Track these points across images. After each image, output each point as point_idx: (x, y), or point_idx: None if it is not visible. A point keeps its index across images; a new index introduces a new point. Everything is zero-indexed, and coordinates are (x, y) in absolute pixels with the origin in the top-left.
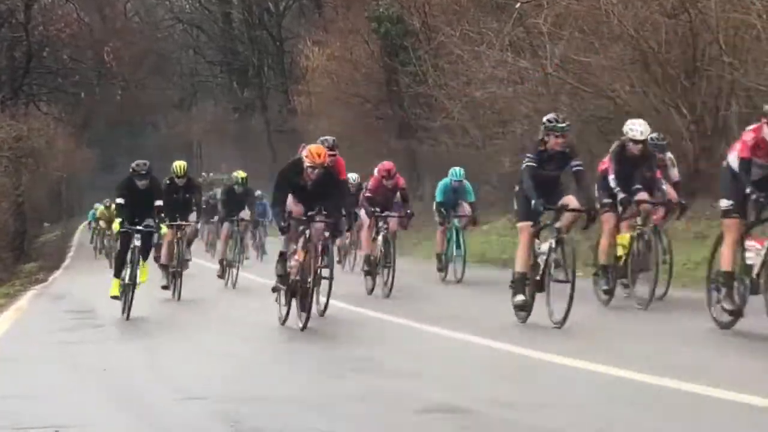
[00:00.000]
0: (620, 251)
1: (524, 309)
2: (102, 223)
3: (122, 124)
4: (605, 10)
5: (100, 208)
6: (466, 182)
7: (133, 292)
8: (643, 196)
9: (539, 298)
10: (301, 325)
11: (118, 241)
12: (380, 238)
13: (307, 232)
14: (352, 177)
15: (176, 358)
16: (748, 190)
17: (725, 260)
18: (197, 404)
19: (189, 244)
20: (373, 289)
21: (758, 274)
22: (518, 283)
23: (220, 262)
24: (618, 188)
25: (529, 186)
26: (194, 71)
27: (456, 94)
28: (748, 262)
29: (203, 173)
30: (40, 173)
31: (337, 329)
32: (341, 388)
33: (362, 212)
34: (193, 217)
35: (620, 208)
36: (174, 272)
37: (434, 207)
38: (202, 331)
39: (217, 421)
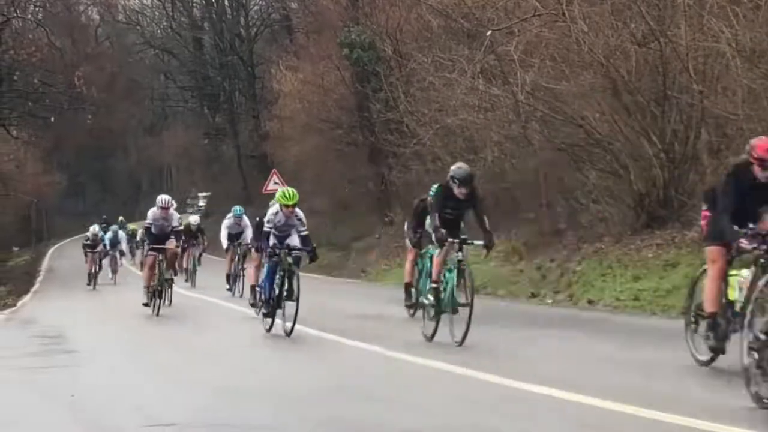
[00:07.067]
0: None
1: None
2: None
3: (92, 148)
4: (576, 38)
5: None
6: None
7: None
8: None
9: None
10: None
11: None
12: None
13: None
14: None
15: (145, 384)
16: None
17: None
18: (165, 431)
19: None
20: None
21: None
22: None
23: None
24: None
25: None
26: (165, 96)
27: (427, 120)
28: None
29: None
30: (9, 197)
31: (301, 355)
32: (308, 413)
33: None
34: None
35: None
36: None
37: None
38: (171, 356)
39: None
